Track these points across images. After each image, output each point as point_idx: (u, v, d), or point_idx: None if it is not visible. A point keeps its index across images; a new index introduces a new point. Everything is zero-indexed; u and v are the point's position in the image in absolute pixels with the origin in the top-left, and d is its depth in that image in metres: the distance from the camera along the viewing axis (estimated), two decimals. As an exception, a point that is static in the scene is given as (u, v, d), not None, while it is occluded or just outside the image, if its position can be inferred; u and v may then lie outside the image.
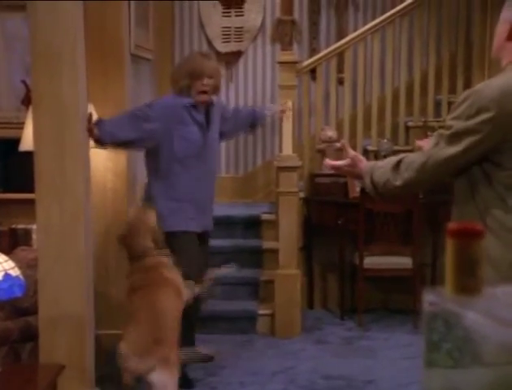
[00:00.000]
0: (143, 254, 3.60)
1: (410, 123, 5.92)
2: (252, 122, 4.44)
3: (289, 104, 4.89)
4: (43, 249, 3.50)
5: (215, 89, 4.11)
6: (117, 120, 3.91)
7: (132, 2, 4.78)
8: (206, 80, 3.99)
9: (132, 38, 4.80)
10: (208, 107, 4.11)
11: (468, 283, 1.04)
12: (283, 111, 4.83)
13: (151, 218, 3.70)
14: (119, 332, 4.52)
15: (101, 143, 3.88)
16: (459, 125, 2.10)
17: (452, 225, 1.04)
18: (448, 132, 2.14)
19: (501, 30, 2.19)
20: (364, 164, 2.43)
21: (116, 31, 4.52)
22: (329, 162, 2.54)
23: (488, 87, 2.12)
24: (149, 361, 3.34)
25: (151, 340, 3.36)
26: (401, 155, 2.30)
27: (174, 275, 3.63)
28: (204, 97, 4.03)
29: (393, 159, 2.29)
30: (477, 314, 1.00)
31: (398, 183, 2.24)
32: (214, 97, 4.16)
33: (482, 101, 2.07)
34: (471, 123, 2.08)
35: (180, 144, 3.97)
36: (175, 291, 3.56)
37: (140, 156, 5.28)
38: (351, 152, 2.48)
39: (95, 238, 4.53)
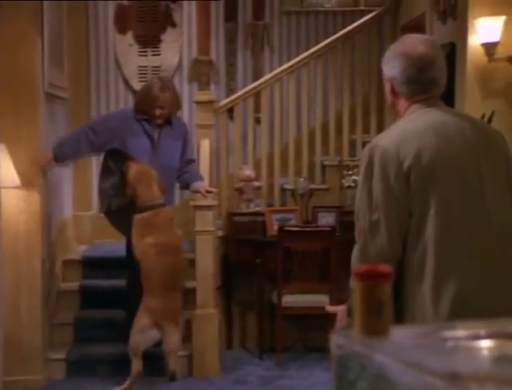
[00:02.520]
0: (154, 205, 4.30)
1: (326, 162, 6.02)
2: (187, 184, 4.89)
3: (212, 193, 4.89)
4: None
5: (172, 111, 4.67)
6: (71, 139, 4.67)
7: (46, 41, 4.72)
8: (158, 111, 4.55)
9: (45, 77, 4.72)
10: (163, 125, 4.63)
11: (375, 324, 1.05)
12: (205, 194, 4.85)
13: (153, 171, 4.39)
14: (29, 378, 4.39)
15: (60, 164, 4.76)
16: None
17: (358, 267, 1.05)
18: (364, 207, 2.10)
19: (386, 88, 2.25)
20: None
21: (29, 69, 4.46)
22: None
23: (385, 139, 2.15)
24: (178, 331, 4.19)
25: (177, 310, 4.18)
26: None
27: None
28: (159, 121, 4.60)
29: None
30: (385, 357, 1.01)
31: None
32: (175, 119, 4.73)
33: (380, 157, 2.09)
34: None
35: (131, 152, 4.51)
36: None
37: (55, 194, 5.19)
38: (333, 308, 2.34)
39: (6, 282, 4.39)
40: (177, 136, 4.72)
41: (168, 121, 4.67)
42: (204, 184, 4.87)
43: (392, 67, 2.19)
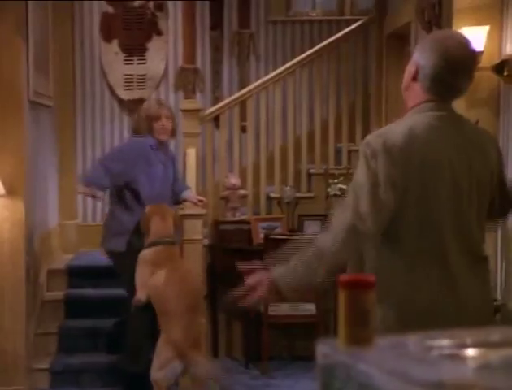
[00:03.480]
0: (165, 241, 4.17)
1: (312, 171, 6.03)
2: (176, 193, 4.80)
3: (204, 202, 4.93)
4: None
5: (173, 132, 4.66)
6: (96, 172, 4.53)
7: (30, 49, 4.70)
8: (164, 121, 4.52)
9: (30, 85, 4.70)
10: (166, 147, 4.68)
11: (360, 333, 1.05)
12: (197, 203, 4.84)
13: (170, 209, 4.39)
14: (13, 388, 4.35)
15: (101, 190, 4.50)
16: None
17: (343, 276, 1.05)
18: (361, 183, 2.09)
19: (409, 70, 2.22)
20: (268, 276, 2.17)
21: (14, 77, 4.43)
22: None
23: (392, 133, 2.15)
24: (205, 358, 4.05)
25: (199, 337, 4.03)
26: (312, 244, 2.13)
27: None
28: (164, 136, 4.56)
29: (307, 251, 2.12)
30: (369, 366, 1.00)
31: (334, 257, 2.07)
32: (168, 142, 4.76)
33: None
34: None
35: (145, 183, 4.45)
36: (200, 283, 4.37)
37: (40, 202, 5.16)
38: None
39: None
40: (172, 161, 4.75)
41: (166, 146, 4.68)
42: (193, 193, 4.88)
43: (425, 57, 2.16)
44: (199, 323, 4.13)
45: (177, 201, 4.85)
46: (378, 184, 2.06)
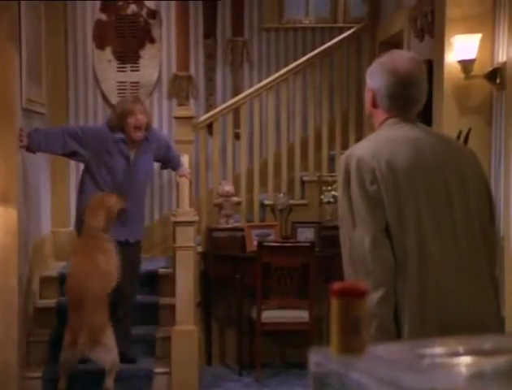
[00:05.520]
0: (90, 234, 4.37)
1: (306, 178, 6.04)
2: (170, 167, 5.19)
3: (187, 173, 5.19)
4: None
5: (148, 127, 4.69)
6: (48, 133, 4.70)
7: (23, 56, 4.69)
8: (139, 116, 4.57)
9: (23, 92, 4.69)
10: (140, 142, 4.67)
11: (352, 342, 1.05)
12: (183, 176, 5.11)
13: (111, 200, 4.43)
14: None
15: (30, 151, 4.61)
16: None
17: (335, 285, 1.05)
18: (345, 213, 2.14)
19: (367, 97, 2.33)
20: None
21: (6, 84, 4.42)
22: None
23: (360, 149, 2.21)
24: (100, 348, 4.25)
25: (94, 327, 4.23)
26: None
27: (108, 261, 4.42)
28: (138, 134, 4.60)
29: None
30: (361, 375, 1.00)
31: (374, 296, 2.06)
32: (149, 134, 4.76)
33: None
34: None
35: (103, 172, 4.58)
36: (105, 277, 4.36)
37: (33, 210, 5.15)
38: None
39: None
40: (152, 148, 4.80)
41: (145, 137, 4.71)
42: (187, 169, 5.17)
43: (378, 80, 2.27)
44: (100, 318, 4.32)
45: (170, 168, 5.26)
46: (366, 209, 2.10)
